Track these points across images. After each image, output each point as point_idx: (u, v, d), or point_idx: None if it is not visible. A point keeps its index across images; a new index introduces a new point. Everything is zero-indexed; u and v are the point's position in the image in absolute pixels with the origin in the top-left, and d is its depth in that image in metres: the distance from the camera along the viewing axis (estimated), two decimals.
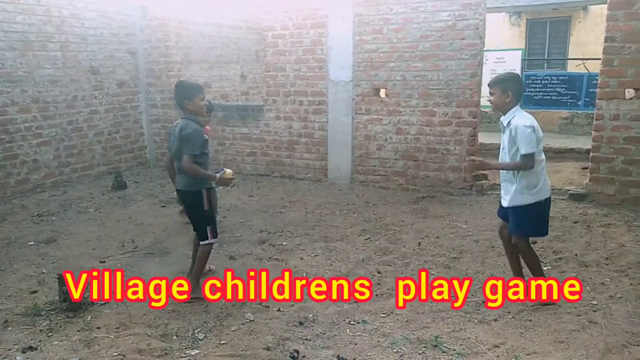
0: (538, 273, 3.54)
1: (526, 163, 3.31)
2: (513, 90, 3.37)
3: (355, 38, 6.60)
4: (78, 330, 3.27)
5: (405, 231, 5.08)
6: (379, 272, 4.11)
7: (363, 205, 6.01)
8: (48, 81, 6.89)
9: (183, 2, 8.29)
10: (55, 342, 3.14)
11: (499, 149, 3.55)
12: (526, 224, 3.45)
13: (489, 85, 3.48)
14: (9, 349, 3.06)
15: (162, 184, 7.30)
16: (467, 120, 6.18)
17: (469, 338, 3.11)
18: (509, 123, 3.36)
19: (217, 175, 3.64)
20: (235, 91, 10.11)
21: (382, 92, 6.62)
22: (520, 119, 3.34)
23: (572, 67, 11.26)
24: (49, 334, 3.24)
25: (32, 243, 4.94)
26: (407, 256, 4.43)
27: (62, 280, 3.56)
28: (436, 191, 6.41)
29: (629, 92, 5.39)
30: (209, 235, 3.71)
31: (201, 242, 3.72)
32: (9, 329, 3.32)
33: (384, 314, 3.45)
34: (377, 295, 3.74)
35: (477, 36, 5.97)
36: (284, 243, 4.87)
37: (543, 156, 3.44)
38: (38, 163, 6.84)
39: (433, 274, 4.05)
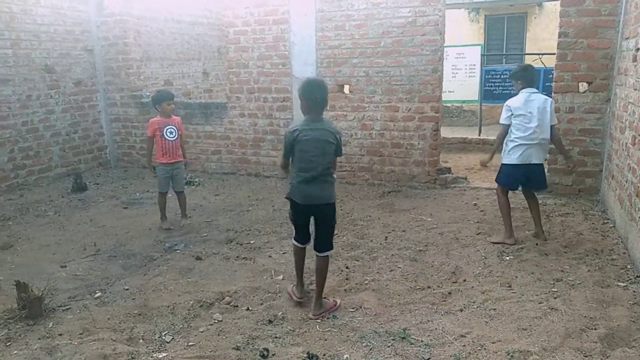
0: (504, 219, 4.55)
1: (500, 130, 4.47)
2: (521, 78, 4.43)
3: (317, 34, 6.60)
4: (39, 338, 3.16)
5: (372, 226, 5.13)
6: (347, 268, 4.14)
7: None
8: None
9: None
10: (15, 352, 3.02)
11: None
12: (498, 175, 4.62)
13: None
14: None
15: (124, 185, 7.12)
16: (429, 115, 6.28)
17: (436, 329, 3.18)
18: None
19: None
20: (198, 88, 9.95)
21: (346, 88, 6.65)
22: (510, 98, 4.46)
23: (529, 62, 11.60)
24: (8, 344, 3.11)
25: None
26: (374, 251, 4.48)
27: (20, 287, 3.42)
28: (401, 185, 6.50)
29: (583, 86, 5.61)
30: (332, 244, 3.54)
31: (326, 252, 3.46)
32: None
33: (352, 308, 3.47)
34: (345, 290, 3.76)
35: (437, 32, 6.07)
36: (252, 241, 4.83)
37: (518, 135, 4.33)
38: None
39: (400, 267, 4.11)
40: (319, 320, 3.33)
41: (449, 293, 3.65)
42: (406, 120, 6.38)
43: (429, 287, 3.76)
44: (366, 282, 3.87)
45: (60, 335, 3.19)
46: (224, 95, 8.97)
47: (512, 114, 4.33)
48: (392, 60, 6.29)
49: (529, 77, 4.39)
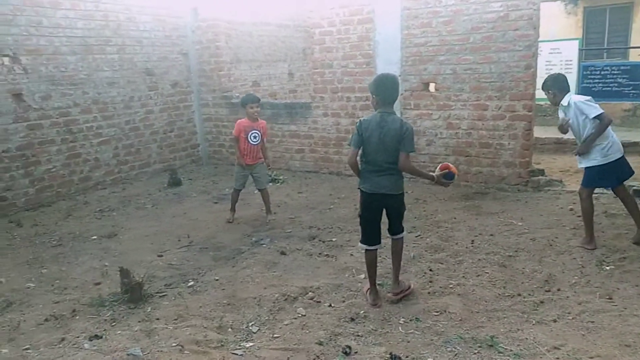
0: (586, 225, 4.32)
1: (602, 123, 4.08)
2: (553, 88, 4.28)
3: (403, 32, 6.52)
4: (139, 321, 3.42)
5: (458, 228, 4.97)
6: (430, 270, 4.05)
7: (413, 201, 5.92)
8: (107, 83, 7.21)
9: (232, 2, 8.45)
10: (119, 332, 3.30)
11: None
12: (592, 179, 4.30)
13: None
14: (77, 337, 3.25)
15: (215, 181, 7.50)
16: (521, 113, 5.97)
17: (527, 339, 3.02)
18: (568, 103, 4.19)
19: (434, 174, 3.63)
20: (283, 89, 10.23)
21: (432, 87, 6.50)
22: (576, 96, 4.23)
23: (635, 57, 10.63)
24: (113, 324, 3.41)
25: (95, 237, 5.21)
26: (459, 254, 4.34)
27: (123, 273, 3.72)
28: (489, 187, 6.23)
29: None
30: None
31: (400, 235, 3.66)
32: (77, 317, 3.51)
33: (436, 312, 3.39)
34: (429, 293, 3.68)
35: (531, 26, 5.75)
36: (334, 239, 4.89)
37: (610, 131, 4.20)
38: (99, 161, 7.19)
39: (487, 273, 3.95)
40: (401, 322, 3.30)
41: (541, 302, 3.46)
42: (496, 119, 6.11)
43: (519, 294, 3.58)
44: (451, 286, 3.76)
45: (158, 319, 3.44)
46: (307, 95, 9.14)
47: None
48: (481, 56, 6.05)
49: (561, 85, 4.28)
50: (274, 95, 9.80)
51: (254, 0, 9.08)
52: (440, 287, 3.74)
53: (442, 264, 4.17)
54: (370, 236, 3.58)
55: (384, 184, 3.45)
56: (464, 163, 6.42)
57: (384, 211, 3.59)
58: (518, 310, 3.37)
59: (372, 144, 3.43)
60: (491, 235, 4.75)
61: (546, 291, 3.61)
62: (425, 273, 4.01)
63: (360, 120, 3.51)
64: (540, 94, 8.53)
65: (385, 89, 3.45)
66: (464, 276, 3.91)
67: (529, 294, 3.58)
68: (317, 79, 7.41)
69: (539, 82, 6.95)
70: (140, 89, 7.74)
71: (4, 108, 5.96)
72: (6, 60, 5.97)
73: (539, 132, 8.07)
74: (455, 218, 5.28)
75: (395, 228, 3.65)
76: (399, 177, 3.50)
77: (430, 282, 3.85)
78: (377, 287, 3.65)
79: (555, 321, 3.21)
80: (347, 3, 6.85)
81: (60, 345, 3.16)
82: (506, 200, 5.81)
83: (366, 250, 3.60)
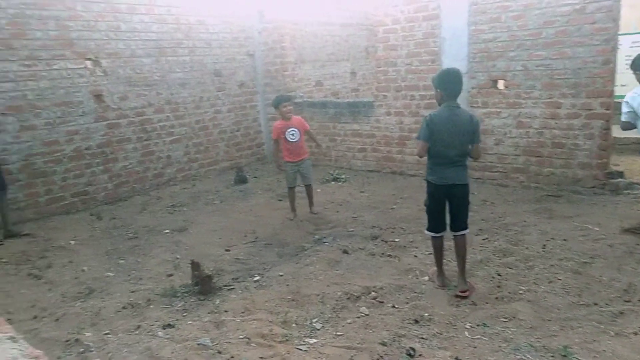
0: None
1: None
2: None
3: (470, 28, 6.33)
4: (208, 312, 3.57)
5: (528, 232, 4.77)
6: (499, 275, 3.91)
7: (480, 203, 5.74)
8: (178, 84, 7.55)
9: (297, 3, 8.57)
10: (189, 322, 3.45)
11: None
12: None
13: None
14: (152, 325, 3.44)
15: (279, 179, 7.63)
16: (598, 111, 5.63)
17: (604, 351, 2.86)
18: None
19: None
20: (346, 88, 10.25)
21: (501, 84, 6.27)
22: (632, 91, 4.12)
23: None
24: (184, 314, 3.58)
25: (167, 231, 5.47)
26: (530, 259, 4.16)
27: (195, 266, 3.90)
28: (562, 190, 5.93)
29: None
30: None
31: (463, 232, 3.70)
32: (151, 307, 3.72)
33: (505, 318, 3.28)
34: (497, 298, 3.57)
35: (610, 19, 5.40)
36: (397, 240, 4.84)
37: None
38: (171, 159, 7.55)
39: (560, 279, 3.77)
40: (467, 326, 3.22)
41: (621, 313, 3.26)
42: (570, 117, 5.80)
43: (595, 303, 3.39)
44: (520, 291, 3.62)
45: (226, 312, 3.57)
46: (369, 94, 9.11)
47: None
48: (554, 52, 5.77)
49: None
50: (337, 95, 9.84)
51: (318, 0, 9.16)
52: (509, 293, 3.62)
53: (511, 268, 4.02)
54: (437, 224, 3.76)
55: (451, 175, 3.59)
56: (535, 164, 6.15)
57: (448, 206, 3.70)
58: (594, 320, 3.19)
59: (444, 139, 3.54)
60: (564, 240, 4.52)
61: (625, 301, 3.40)
62: (493, 278, 3.88)
63: (430, 114, 3.60)
64: (618, 90, 8.02)
65: (450, 83, 3.55)
66: (534, 282, 3.76)
67: (607, 304, 3.38)
68: (380, 78, 7.37)
69: (619, 79, 6.53)
70: (209, 89, 8.03)
71: (87, 108, 6.41)
72: (89, 63, 6.41)
73: (618, 132, 7.57)
74: (525, 221, 5.07)
75: (459, 223, 3.69)
76: (465, 167, 3.64)
77: (499, 287, 3.73)
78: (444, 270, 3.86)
79: (636, 334, 3.01)
80: (412, 0, 6.75)
81: (137, 332, 3.36)
82: (581, 203, 5.50)
83: (433, 237, 3.80)
